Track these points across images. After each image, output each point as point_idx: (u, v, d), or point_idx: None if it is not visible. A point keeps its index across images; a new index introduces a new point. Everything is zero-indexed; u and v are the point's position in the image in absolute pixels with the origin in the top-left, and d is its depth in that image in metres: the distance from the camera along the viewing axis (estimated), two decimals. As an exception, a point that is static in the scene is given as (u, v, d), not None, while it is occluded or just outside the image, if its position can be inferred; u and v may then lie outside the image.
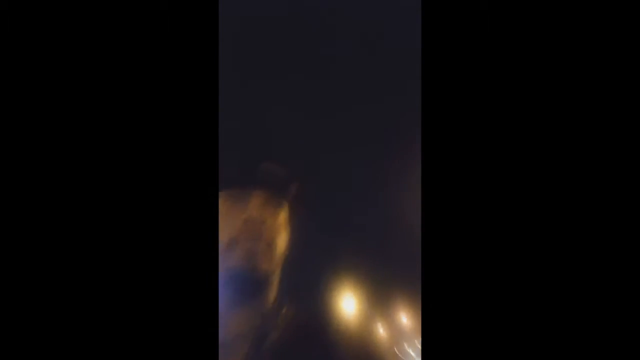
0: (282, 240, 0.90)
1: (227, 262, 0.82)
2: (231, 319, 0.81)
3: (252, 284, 0.85)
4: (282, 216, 0.92)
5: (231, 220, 0.87)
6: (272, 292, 0.89)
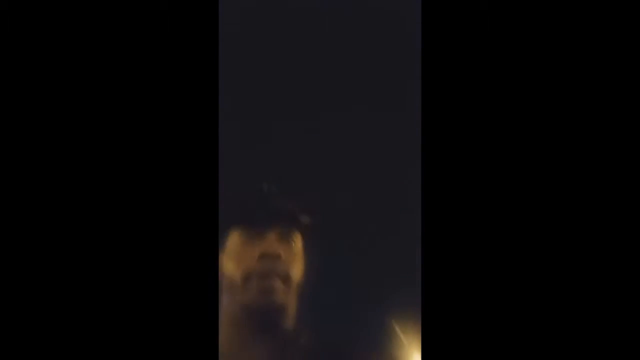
0: (298, 273, 0.91)
1: (244, 299, 0.83)
2: (250, 352, 0.83)
3: (269, 317, 0.86)
4: (297, 248, 0.92)
5: (245, 257, 0.87)
6: (290, 323, 0.89)
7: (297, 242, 0.91)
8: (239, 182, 0.95)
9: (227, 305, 0.85)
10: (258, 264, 0.85)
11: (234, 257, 0.87)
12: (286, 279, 0.86)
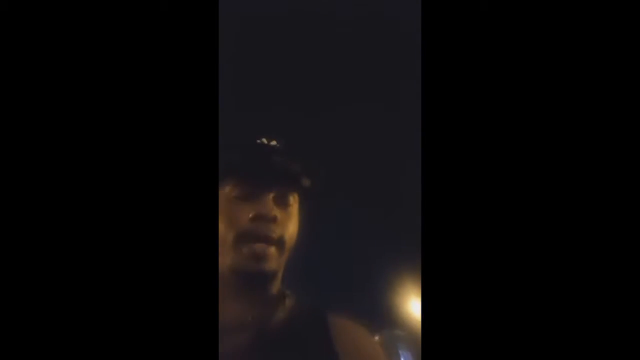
0: (292, 236, 0.86)
1: (234, 262, 0.79)
2: (232, 308, 0.78)
3: (256, 276, 0.82)
4: (293, 211, 0.87)
5: (239, 216, 0.79)
6: (277, 284, 0.85)
7: (294, 205, 0.86)
8: (238, 142, 0.89)
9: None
10: (252, 225, 0.79)
11: (226, 216, 0.81)
12: (280, 243, 0.81)
